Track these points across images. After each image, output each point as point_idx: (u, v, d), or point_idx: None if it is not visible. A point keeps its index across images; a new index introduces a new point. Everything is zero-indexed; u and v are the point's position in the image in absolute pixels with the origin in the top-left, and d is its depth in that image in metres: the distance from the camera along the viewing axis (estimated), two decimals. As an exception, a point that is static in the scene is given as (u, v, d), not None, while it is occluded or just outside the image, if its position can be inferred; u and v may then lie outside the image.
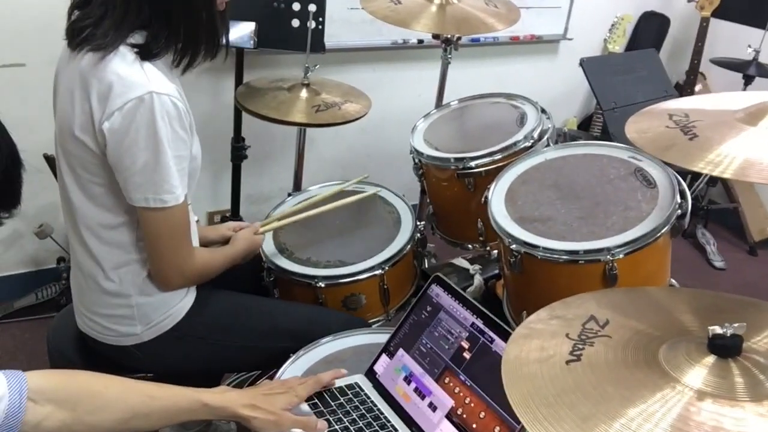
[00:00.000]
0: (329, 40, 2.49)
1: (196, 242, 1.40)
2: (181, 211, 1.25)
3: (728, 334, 0.79)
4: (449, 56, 2.29)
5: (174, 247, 1.29)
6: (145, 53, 1.20)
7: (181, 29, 1.24)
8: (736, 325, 0.79)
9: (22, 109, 2.27)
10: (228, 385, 1.60)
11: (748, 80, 2.87)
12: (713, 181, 3.12)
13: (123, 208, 1.27)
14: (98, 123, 1.18)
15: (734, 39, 3.16)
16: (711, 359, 0.79)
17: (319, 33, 2.30)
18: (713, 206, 3.26)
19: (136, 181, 1.20)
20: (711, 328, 0.80)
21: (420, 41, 2.82)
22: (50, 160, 2.21)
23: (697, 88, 3.25)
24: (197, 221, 1.61)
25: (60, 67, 1.32)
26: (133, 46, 1.20)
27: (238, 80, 2.37)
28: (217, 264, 1.42)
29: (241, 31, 2.20)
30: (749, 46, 2.83)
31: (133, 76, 1.17)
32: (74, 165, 1.26)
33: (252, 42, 2.23)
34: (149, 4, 1.20)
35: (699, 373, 0.78)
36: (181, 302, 1.37)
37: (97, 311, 1.35)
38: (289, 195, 1.95)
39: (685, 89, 3.23)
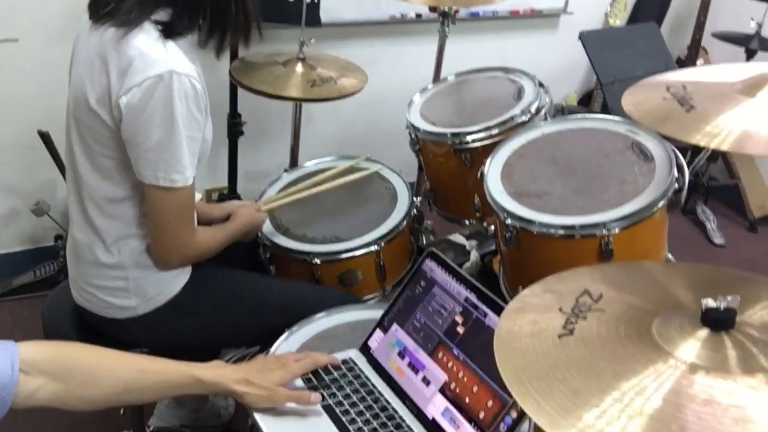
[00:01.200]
0: (325, 14, 2.45)
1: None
2: (189, 192, 1.26)
3: (722, 308, 0.79)
4: (447, 30, 2.26)
5: (177, 227, 1.29)
6: (169, 31, 1.20)
7: (208, 7, 1.24)
8: (729, 298, 0.79)
9: (16, 85, 2.26)
10: (226, 362, 1.60)
11: (750, 54, 2.83)
12: (714, 157, 3.09)
13: (130, 182, 1.27)
14: (115, 97, 1.18)
15: (737, 13, 3.11)
16: (704, 333, 0.79)
17: (315, 7, 2.27)
18: (713, 183, 3.24)
19: (148, 157, 1.20)
20: (704, 301, 0.80)
21: (418, 15, 2.78)
22: (45, 137, 2.20)
23: (699, 62, 3.21)
24: (201, 198, 1.61)
25: (79, 39, 1.32)
26: (157, 23, 1.20)
27: (233, 55, 2.34)
28: (217, 242, 1.41)
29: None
30: (752, 20, 2.79)
31: (155, 54, 1.17)
32: (86, 136, 1.27)
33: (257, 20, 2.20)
34: None
35: (692, 346, 0.77)
36: (177, 277, 1.37)
37: (93, 283, 1.35)
38: (286, 171, 1.94)
39: (686, 64, 3.20)
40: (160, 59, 1.16)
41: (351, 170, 1.80)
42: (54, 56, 2.26)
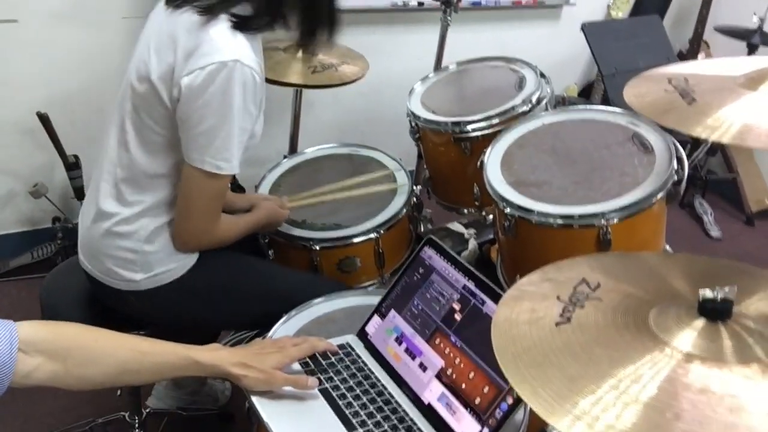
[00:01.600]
0: (327, 1, 2.44)
1: None
2: (227, 182, 1.29)
3: (719, 298, 0.79)
4: (449, 19, 2.26)
5: (206, 213, 1.30)
6: (243, 26, 1.22)
7: (299, 7, 1.28)
8: (726, 288, 0.79)
9: (15, 66, 2.25)
10: (224, 344, 1.61)
11: (752, 49, 2.82)
12: (712, 150, 3.10)
13: (172, 161, 1.30)
14: (178, 76, 1.20)
15: (739, 7, 3.10)
16: (701, 322, 0.79)
17: (317, -7, 2.25)
18: (712, 176, 3.25)
19: (198, 141, 1.22)
20: (701, 291, 0.80)
21: (420, 3, 2.77)
22: (44, 119, 2.19)
23: (701, 56, 3.21)
24: None
25: (152, 15, 1.34)
26: (234, 15, 1.22)
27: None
28: (235, 232, 1.42)
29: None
30: (754, 14, 2.78)
31: (223, 42, 1.19)
32: (140, 109, 1.28)
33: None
34: None
35: (688, 336, 0.78)
36: (186, 259, 1.38)
37: (103, 251, 1.35)
38: (285, 157, 1.94)
39: (688, 57, 3.19)
40: (228, 47, 1.18)
41: (380, 180, 1.78)
42: (53, 38, 2.25)
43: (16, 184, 2.43)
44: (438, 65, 2.35)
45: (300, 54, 2.10)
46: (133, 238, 1.33)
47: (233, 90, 1.18)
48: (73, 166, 2.32)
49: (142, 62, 1.27)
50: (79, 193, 2.36)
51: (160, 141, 1.28)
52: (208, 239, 1.35)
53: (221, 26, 1.21)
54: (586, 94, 3.39)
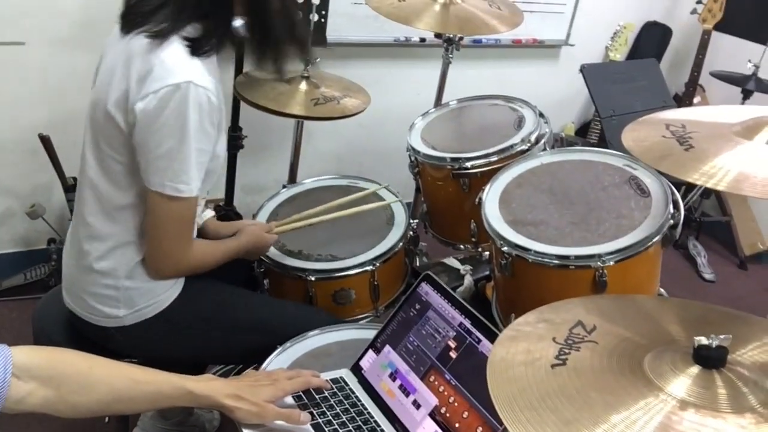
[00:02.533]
0: (331, 34, 2.48)
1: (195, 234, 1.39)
2: (191, 204, 1.26)
3: (714, 346, 0.80)
4: (450, 56, 2.29)
5: (174, 237, 1.29)
6: (196, 48, 1.22)
7: (255, 26, 1.29)
8: (722, 336, 0.80)
9: (20, 88, 2.26)
10: (214, 374, 1.59)
11: (746, 95, 2.88)
12: (707, 193, 3.13)
13: (136, 190, 1.28)
14: (132, 102, 1.20)
15: (735, 53, 3.17)
16: (695, 369, 0.80)
17: (321, 26, 2.30)
18: (706, 218, 3.27)
19: (157, 165, 1.21)
20: (697, 338, 0.81)
21: (422, 40, 2.82)
22: (45, 141, 2.20)
23: (696, 100, 3.26)
24: (213, 216, 1.60)
25: (108, 45, 1.35)
26: (186, 39, 1.22)
27: (238, 70, 2.36)
28: (215, 257, 1.40)
29: (243, 21, 2.20)
30: (749, 61, 2.84)
31: (176, 65, 1.19)
32: (99, 139, 1.28)
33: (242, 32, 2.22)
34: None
35: (683, 382, 0.78)
36: (168, 291, 1.37)
37: (84, 288, 1.35)
38: (284, 187, 1.95)
39: (683, 101, 3.24)
40: (180, 70, 1.18)
41: (366, 199, 1.80)
42: (59, 61, 2.28)
43: (14, 204, 2.42)
44: (439, 101, 2.37)
45: (303, 86, 2.12)
46: (113, 274, 1.32)
47: (188, 112, 1.17)
48: (71, 188, 2.32)
49: (98, 92, 1.27)
50: (76, 216, 2.36)
51: (121, 169, 1.27)
52: (183, 264, 1.33)
53: (172, 49, 1.20)
54: (582, 133, 3.43)
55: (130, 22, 1.25)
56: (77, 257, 1.35)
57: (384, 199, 1.81)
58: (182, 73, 1.18)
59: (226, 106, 2.40)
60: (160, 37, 1.20)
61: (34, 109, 2.30)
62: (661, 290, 1.47)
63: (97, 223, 1.31)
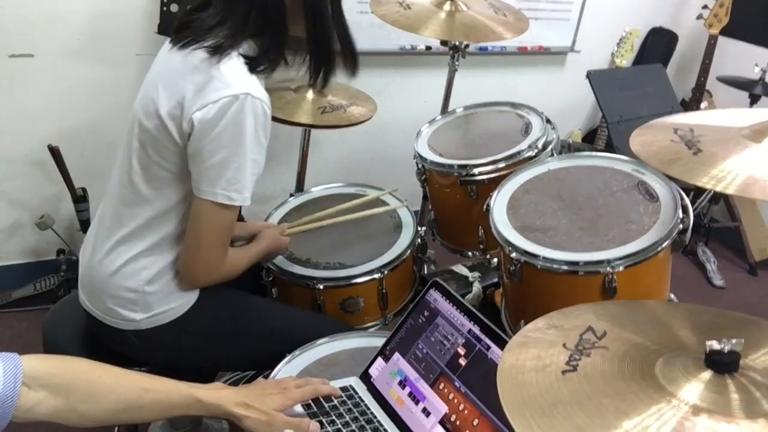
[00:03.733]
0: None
1: None
2: (236, 213, 1.29)
3: (726, 350, 0.79)
4: (456, 64, 2.29)
5: (215, 245, 1.30)
6: (253, 66, 1.25)
7: (314, 45, 1.31)
8: (734, 341, 0.79)
9: (29, 99, 2.28)
10: (223, 383, 1.59)
11: (754, 99, 2.87)
12: (716, 199, 3.11)
13: (177, 198, 1.30)
14: (189, 111, 1.21)
15: (742, 58, 3.16)
16: (707, 375, 0.79)
17: (327, 35, 2.30)
18: (715, 224, 3.26)
19: (210, 174, 1.23)
20: (709, 343, 0.80)
21: (428, 48, 2.82)
22: (54, 152, 2.22)
23: (703, 105, 3.25)
24: None
25: (159, 56, 1.37)
26: (244, 56, 1.25)
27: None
28: (242, 264, 1.42)
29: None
30: (756, 65, 2.83)
31: (233, 76, 1.21)
32: (147, 145, 1.29)
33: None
34: (268, 19, 1.25)
35: (695, 388, 0.78)
36: (185, 298, 1.38)
37: (104, 290, 1.35)
38: (291, 195, 1.95)
39: (691, 106, 3.23)
40: (239, 82, 1.21)
41: (374, 203, 1.82)
42: (68, 73, 2.29)
43: (23, 215, 2.44)
44: (445, 108, 2.38)
45: (310, 94, 2.13)
46: (135, 278, 1.33)
47: (245, 122, 1.20)
48: (80, 199, 2.33)
49: (149, 100, 1.28)
50: (85, 226, 2.37)
51: (167, 176, 1.29)
52: (216, 272, 1.35)
53: (232, 63, 1.23)
54: (589, 139, 3.42)
55: (185, 37, 1.27)
56: (101, 258, 1.35)
57: (392, 204, 1.82)
58: (240, 85, 1.20)
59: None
60: (219, 52, 1.23)
61: (43, 120, 2.32)
62: (671, 296, 1.46)
63: (130, 227, 1.32)
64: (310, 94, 2.13)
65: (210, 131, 1.20)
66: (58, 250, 2.46)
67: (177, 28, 1.32)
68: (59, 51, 2.26)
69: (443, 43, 2.28)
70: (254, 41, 1.28)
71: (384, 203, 1.85)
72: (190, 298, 1.38)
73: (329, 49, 1.35)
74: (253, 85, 1.22)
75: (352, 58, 1.39)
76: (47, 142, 2.22)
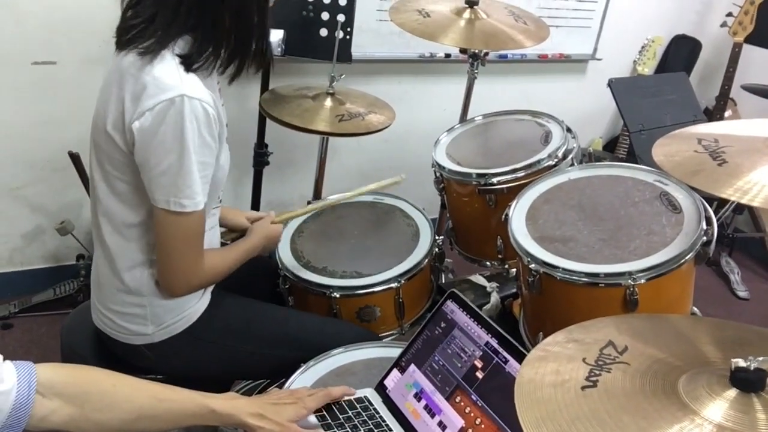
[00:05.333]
0: (356, 51, 2.49)
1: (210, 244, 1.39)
2: (198, 218, 1.25)
3: (752, 368, 0.77)
4: (476, 71, 2.28)
5: (183, 253, 1.28)
6: (189, 64, 1.22)
7: (232, 35, 1.26)
8: (761, 358, 0.77)
9: (52, 106, 2.31)
10: (237, 392, 1.58)
11: (779, 108, 2.82)
12: (740, 209, 3.06)
13: (146, 207, 1.28)
14: (128, 122, 1.19)
15: (766, 66, 3.11)
16: (733, 393, 0.77)
17: (346, 43, 2.30)
18: (739, 234, 3.20)
19: (160, 182, 1.20)
20: (734, 360, 0.78)
21: (447, 55, 2.81)
22: (75, 158, 2.24)
23: (727, 114, 3.20)
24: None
25: (110, 63, 1.34)
26: (178, 56, 1.22)
27: (264, 87, 2.38)
28: (227, 264, 1.39)
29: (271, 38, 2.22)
30: (782, 74, 2.78)
31: (168, 79, 1.18)
32: (103, 161, 1.28)
33: (280, 49, 2.24)
34: (199, 7, 1.21)
35: (720, 406, 0.75)
36: (195, 306, 1.37)
37: (111, 308, 1.35)
38: (309, 203, 1.94)
39: (714, 115, 3.19)
40: (173, 84, 1.17)
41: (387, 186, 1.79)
42: (89, 80, 2.31)
43: (44, 221, 2.46)
44: (464, 117, 2.36)
45: (328, 102, 2.13)
46: (136, 292, 1.32)
47: (185, 125, 1.16)
48: (100, 204, 2.35)
49: (98, 114, 1.27)
50: (105, 232, 2.39)
51: (128, 189, 1.27)
52: (195, 279, 1.32)
53: (164, 64, 1.19)
54: (610, 148, 3.39)
55: (122, 38, 1.25)
56: (102, 277, 1.36)
57: (407, 215, 1.81)
58: (175, 88, 1.17)
59: (252, 123, 2.45)
60: (150, 53, 1.20)
61: (65, 127, 2.34)
62: (695, 309, 1.43)
63: (111, 242, 1.31)
64: (328, 102, 2.12)
65: (151, 139, 1.17)
66: (77, 255, 2.48)
67: (117, 29, 1.28)
68: (81, 58, 2.28)
69: (462, 51, 2.27)
70: (190, 36, 1.23)
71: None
72: (201, 305, 1.38)
73: (249, 43, 1.29)
74: (188, 86, 1.18)
75: (261, 55, 1.33)
76: (68, 149, 2.23)
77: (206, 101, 1.19)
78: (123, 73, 1.22)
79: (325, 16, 2.26)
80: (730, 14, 3.07)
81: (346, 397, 1.19)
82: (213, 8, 1.21)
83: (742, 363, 0.77)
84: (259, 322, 1.45)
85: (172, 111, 1.16)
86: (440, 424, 1.11)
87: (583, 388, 0.82)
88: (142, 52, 1.20)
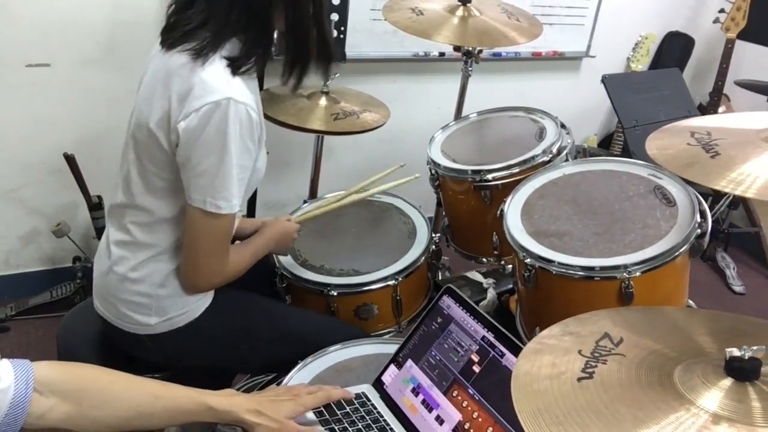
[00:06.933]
0: (350, 50, 2.50)
1: None
2: (230, 220, 1.27)
3: (746, 357, 0.77)
4: (470, 69, 2.28)
5: (211, 253, 1.29)
6: (237, 67, 1.23)
7: (291, 41, 1.29)
8: (755, 348, 0.77)
9: (46, 108, 2.30)
10: (237, 389, 1.58)
11: (773, 103, 2.83)
12: (734, 204, 3.07)
13: (179, 205, 1.30)
14: (174, 121, 1.21)
15: (759, 61, 3.13)
16: (728, 382, 0.77)
17: (340, 42, 2.31)
18: (734, 230, 3.21)
19: (199, 182, 1.22)
20: (729, 350, 0.78)
21: (441, 54, 2.82)
22: (70, 160, 2.23)
23: (721, 109, 3.21)
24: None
25: (149, 61, 1.36)
26: (226, 58, 1.23)
27: (259, 86, 2.38)
28: (246, 260, 1.40)
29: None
30: (775, 69, 2.80)
31: (215, 82, 1.20)
32: (142, 156, 1.29)
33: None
34: (249, 11, 1.23)
35: (715, 396, 0.76)
36: (200, 301, 1.38)
37: (117, 296, 1.36)
38: (305, 202, 1.94)
39: (708, 110, 3.20)
40: (220, 87, 1.19)
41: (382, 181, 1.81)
42: (84, 82, 2.32)
43: (40, 223, 2.46)
44: (458, 114, 2.37)
45: (323, 101, 2.13)
46: (146, 282, 1.33)
47: (229, 128, 1.18)
48: (96, 206, 2.35)
49: (140, 111, 1.28)
50: (101, 234, 2.37)
51: (165, 186, 1.29)
52: (217, 278, 1.34)
53: (213, 68, 1.21)
54: (605, 145, 3.40)
55: (171, 38, 1.26)
56: (112, 265, 1.36)
57: (404, 213, 1.81)
58: (221, 91, 1.18)
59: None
60: (201, 55, 1.21)
61: (59, 128, 2.34)
62: (690, 302, 1.43)
63: (137, 232, 1.33)
64: (323, 101, 2.13)
65: (195, 140, 1.19)
66: (74, 257, 2.47)
67: (164, 29, 1.30)
68: (76, 60, 2.28)
69: (456, 48, 2.27)
70: (238, 39, 1.25)
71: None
72: (205, 301, 1.38)
73: (306, 48, 1.32)
74: (235, 89, 1.20)
75: (326, 61, 1.37)
76: (63, 151, 2.23)
77: (251, 106, 1.21)
78: (170, 73, 1.23)
79: (319, 15, 2.26)
80: (722, 11, 3.08)
81: (345, 398, 1.20)
82: (262, 12, 1.24)
83: (736, 352, 0.78)
84: (260, 318, 1.46)
85: (217, 113, 1.18)
86: (438, 418, 1.11)
87: (580, 379, 0.82)
88: (193, 55, 1.22)
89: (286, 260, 1.65)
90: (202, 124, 1.18)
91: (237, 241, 1.46)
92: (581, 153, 1.82)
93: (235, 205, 1.25)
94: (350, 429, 1.12)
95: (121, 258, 1.34)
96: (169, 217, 1.31)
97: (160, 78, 1.25)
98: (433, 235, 1.72)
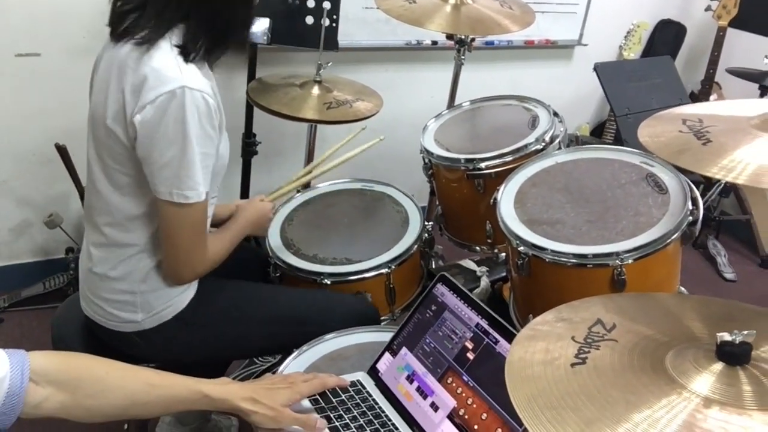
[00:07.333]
0: (343, 39, 2.49)
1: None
2: (201, 208, 1.26)
3: (737, 342, 0.78)
4: (462, 58, 2.28)
5: (190, 243, 1.29)
6: (187, 54, 1.21)
7: (216, 22, 1.24)
8: (745, 332, 0.78)
9: (37, 98, 2.29)
10: (232, 378, 1.59)
11: (764, 91, 2.84)
12: (726, 192, 3.09)
13: (146, 199, 1.28)
14: (130, 115, 1.19)
15: (751, 49, 3.13)
16: (719, 366, 0.78)
17: (333, 31, 2.29)
18: (725, 217, 3.23)
19: (163, 174, 1.20)
20: (720, 334, 0.79)
21: (434, 42, 2.81)
22: (62, 150, 2.22)
23: (713, 97, 3.23)
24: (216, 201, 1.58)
25: (100, 55, 1.33)
26: (176, 46, 1.21)
27: (251, 76, 2.37)
28: (227, 246, 1.40)
29: (255, 27, 2.21)
30: (766, 57, 2.80)
31: (168, 71, 1.17)
32: (103, 154, 1.28)
33: (266, 38, 2.23)
34: None
35: (706, 380, 0.77)
36: (185, 293, 1.37)
37: (101, 296, 1.35)
38: (298, 192, 1.95)
39: (700, 98, 3.21)
40: (173, 76, 1.17)
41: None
42: (74, 71, 2.30)
43: (32, 214, 2.45)
44: (451, 103, 2.36)
45: (315, 90, 2.12)
46: (127, 280, 1.33)
47: (187, 117, 1.16)
48: (88, 197, 2.34)
49: (96, 107, 1.26)
50: (93, 224, 2.38)
51: (129, 181, 1.27)
52: (200, 267, 1.33)
53: (162, 54, 1.18)
54: (598, 133, 3.40)
55: (117, 30, 1.24)
56: (92, 265, 1.36)
57: (397, 201, 1.81)
58: (175, 79, 1.16)
59: (239, 112, 2.44)
60: (146, 42, 1.19)
61: (50, 119, 2.32)
62: (682, 289, 1.44)
63: (111, 232, 1.31)
64: (315, 90, 2.12)
65: (154, 133, 1.17)
66: (66, 248, 2.46)
67: (111, 21, 1.27)
68: (65, 49, 2.27)
69: (449, 37, 2.27)
70: (186, 25, 1.22)
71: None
72: (190, 291, 1.38)
73: (226, 34, 1.28)
74: (189, 77, 1.17)
75: (241, 48, 1.36)
76: (55, 141, 2.22)
77: (207, 92, 1.19)
78: (121, 65, 1.21)
79: (310, 3, 2.25)
80: (714, -2, 3.09)
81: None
82: None
83: (727, 337, 0.79)
84: (248, 301, 1.46)
85: (173, 103, 1.16)
86: (432, 405, 1.12)
87: (573, 365, 0.83)
88: (138, 43, 1.19)
89: (279, 249, 1.65)
90: (158, 116, 1.16)
91: (212, 229, 1.45)
92: (574, 141, 1.83)
93: (202, 192, 1.23)
94: (345, 416, 1.12)
95: (101, 259, 1.34)
96: (139, 214, 1.29)
97: (112, 72, 1.23)
98: (426, 223, 1.73)
